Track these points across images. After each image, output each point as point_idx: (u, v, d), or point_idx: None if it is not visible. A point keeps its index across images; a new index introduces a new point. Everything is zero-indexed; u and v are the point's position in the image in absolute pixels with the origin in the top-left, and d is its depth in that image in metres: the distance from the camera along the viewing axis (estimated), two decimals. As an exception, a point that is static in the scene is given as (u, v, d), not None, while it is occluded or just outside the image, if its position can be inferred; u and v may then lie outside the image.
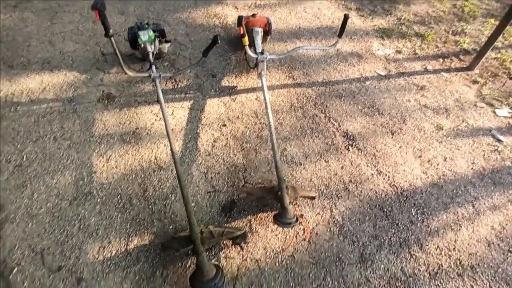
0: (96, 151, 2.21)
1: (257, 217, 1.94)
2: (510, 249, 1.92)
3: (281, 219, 1.73)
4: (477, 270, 1.82)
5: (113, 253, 1.76)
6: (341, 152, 2.33)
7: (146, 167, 2.15)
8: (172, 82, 2.74)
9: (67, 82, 2.66)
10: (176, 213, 1.95)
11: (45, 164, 2.11)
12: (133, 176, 2.10)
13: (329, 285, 1.70)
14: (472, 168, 2.31)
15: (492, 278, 1.79)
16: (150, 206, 1.97)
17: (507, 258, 1.87)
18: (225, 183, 2.11)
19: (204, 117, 2.50)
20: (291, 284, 1.70)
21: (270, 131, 2.00)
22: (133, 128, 2.38)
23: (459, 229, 1.98)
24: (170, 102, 2.59)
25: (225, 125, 2.45)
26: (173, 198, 2.01)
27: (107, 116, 2.44)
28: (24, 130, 2.28)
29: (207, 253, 1.76)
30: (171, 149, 1.90)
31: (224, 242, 1.83)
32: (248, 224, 1.92)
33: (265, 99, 2.13)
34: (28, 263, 1.70)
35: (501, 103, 2.80)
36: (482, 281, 1.78)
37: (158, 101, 2.12)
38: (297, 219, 1.75)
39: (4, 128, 2.28)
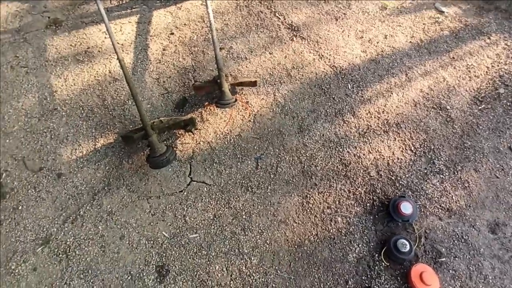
0: (53, 74, 2.34)
1: (206, 108, 2.16)
2: (434, 106, 2.15)
3: (220, 101, 1.94)
4: (401, 126, 2.08)
5: (84, 152, 2.03)
6: (285, 43, 2.44)
7: (102, 81, 2.30)
8: (116, -2, 2.72)
9: (11, 14, 2.65)
10: (135, 114, 2.16)
11: (8, 91, 2.27)
12: (91, 90, 2.27)
13: (271, 152, 1.99)
14: (410, 42, 2.43)
15: (414, 130, 2.06)
16: (110, 113, 2.17)
17: (430, 113, 2.12)
18: (177, 84, 2.28)
19: (152, 28, 2.55)
20: (238, 156, 1.99)
21: (211, 27, 2.07)
22: (85, 48, 2.46)
23: (390, 95, 2.20)
24: (117, 19, 2.61)
25: (172, 34, 2.52)
26: (130, 103, 2.21)
27: (58, 41, 2.51)
28: (-20, 63, 2.39)
29: (160, 138, 2.02)
30: (118, 59, 2.01)
31: (179, 132, 2.08)
32: (200, 115, 2.14)
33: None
34: (13, 169, 1.98)
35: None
36: (405, 133, 2.05)
37: (103, 19, 2.16)
38: (235, 100, 1.96)
39: (-39, 64, 2.38)
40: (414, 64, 2.33)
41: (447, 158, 1.96)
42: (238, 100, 2.15)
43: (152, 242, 1.73)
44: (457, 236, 1.73)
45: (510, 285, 1.61)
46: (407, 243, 1.62)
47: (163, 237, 1.74)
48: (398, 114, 2.12)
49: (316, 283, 1.61)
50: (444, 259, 1.66)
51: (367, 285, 1.59)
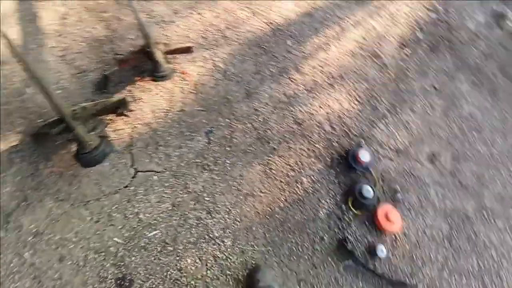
0: None
1: (136, 85, 1.82)
2: (369, 55, 2.21)
3: (156, 73, 1.65)
4: (344, 77, 2.09)
5: (-22, 164, 1.54)
6: (213, 1, 2.17)
7: (-20, 66, 1.73)
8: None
9: None
10: (42, 105, 1.70)
11: None
12: (-33, 80, 1.69)
13: (222, 123, 1.81)
14: (338, -8, 2.41)
15: (356, 80, 2.10)
16: (4, 107, 1.67)
17: (367, 62, 2.18)
18: (91, 60, 1.86)
19: (38, -9, 1.98)
20: (186, 134, 1.76)
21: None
22: None
23: (329, 48, 2.17)
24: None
25: (69, -3, 2.00)
26: (31, 92, 1.72)
27: None
28: None
29: (89, 128, 1.64)
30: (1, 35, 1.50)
31: (109, 118, 1.72)
32: (130, 94, 1.80)
33: None
34: None
35: None
36: (349, 85, 2.07)
37: None
38: (173, 70, 1.69)
39: None
40: (346, 15, 2.33)
41: (387, 103, 2.06)
42: (174, 69, 1.85)
43: (103, 253, 1.44)
44: (406, 173, 1.88)
45: (451, 206, 1.83)
46: (370, 188, 1.68)
47: (115, 244, 1.47)
48: (339, 66, 2.12)
49: (294, 248, 1.58)
50: (399, 195, 1.78)
51: (341, 237, 1.62)
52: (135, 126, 1.74)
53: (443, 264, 1.67)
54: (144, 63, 1.84)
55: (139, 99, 1.80)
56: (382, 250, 1.58)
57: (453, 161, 1.97)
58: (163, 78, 1.66)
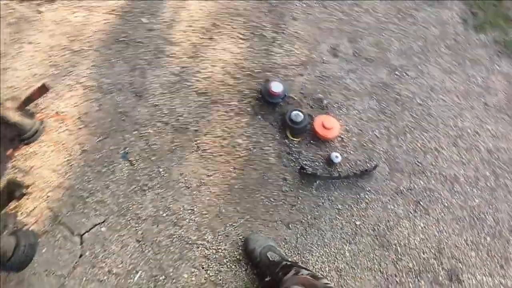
0: None
1: (15, 158, 1.55)
2: (228, -13, 2.07)
3: (24, 137, 1.40)
4: (217, 24, 1.97)
5: None
6: (36, 21, 1.82)
7: None
8: None
9: None
10: None
11: None
12: None
13: (131, 138, 1.65)
14: None
15: (230, 19, 1.99)
16: None
17: (230, -4, 2.05)
18: None
19: None
20: (104, 170, 1.58)
21: None
22: None
23: (187, 3, 2.00)
24: None
25: None
26: None
27: None
28: None
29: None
30: None
31: (12, 207, 1.47)
32: (16, 170, 1.53)
33: None
34: None
35: None
36: (225, 28, 1.96)
37: None
38: (41, 121, 1.44)
39: None
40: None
41: (270, 25, 2.01)
42: (44, 119, 1.59)
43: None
44: (320, 78, 1.92)
45: (369, 83, 1.94)
46: (298, 112, 1.70)
47: (108, 313, 1.37)
48: (207, 15, 1.99)
49: (266, 202, 1.60)
50: (325, 101, 1.84)
51: (298, 167, 1.67)
52: (47, 196, 1.52)
53: (387, 134, 1.82)
54: (6, 132, 1.55)
55: (30, 168, 1.54)
56: (336, 156, 1.67)
57: (352, 43, 2.05)
58: (35, 136, 1.41)
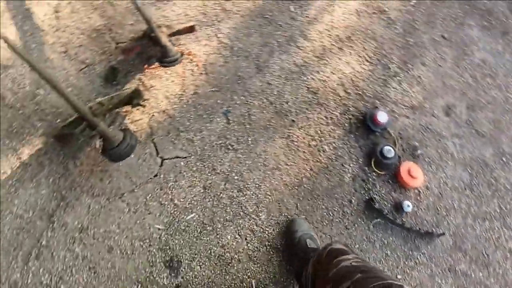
0: None
1: (146, 72, 1.79)
2: (375, 11, 2.14)
3: (165, 59, 1.61)
4: (352, 38, 2.04)
5: (9, 172, 1.56)
6: (208, -28, 2.06)
7: (-15, 74, 1.69)
8: None
9: None
10: (56, 105, 1.69)
11: None
12: (-25, 89, 1.66)
13: (238, 102, 1.80)
14: None
15: (364, 40, 2.05)
16: (20, 112, 1.65)
17: (373, 19, 2.11)
18: (94, 52, 1.81)
19: (25, -15, 1.87)
20: (204, 116, 1.76)
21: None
22: None
23: (333, 9, 2.10)
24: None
25: (58, -13, 1.90)
26: (43, 93, 1.70)
27: None
28: None
29: (107, 123, 1.65)
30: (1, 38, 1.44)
31: (125, 110, 1.71)
32: (141, 83, 1.78)
33: None
34: None
35: None
36: (357, 45, 2.03)
37: None
38: (182, 54, 1.65)
39: None
40: (346, -30, 2.22)
41: (398, 60, 2.03)
42: (191, 57, 1.81)
43: (147, 240, 1.51)
44: (423, 128, 1.90)
45: (469, 155, 1.88)
46: (390, 148, 1.71)
47: (157, 230, 1.53)
48: (346, 27, 2.07)
49: (325, 213, 1.65)
50: (419, 151, 1.83)
51: (367, 197, 1.69)
52: (152, 115, 1.73)
53: (466, 211, 1.75)
54: (149, 49, 1.79)
55: (152, 87, 1.77)
56: (408, 205, 1.65)
57: (468, 110, 1.98)
58: (173, 63, 1.62)
